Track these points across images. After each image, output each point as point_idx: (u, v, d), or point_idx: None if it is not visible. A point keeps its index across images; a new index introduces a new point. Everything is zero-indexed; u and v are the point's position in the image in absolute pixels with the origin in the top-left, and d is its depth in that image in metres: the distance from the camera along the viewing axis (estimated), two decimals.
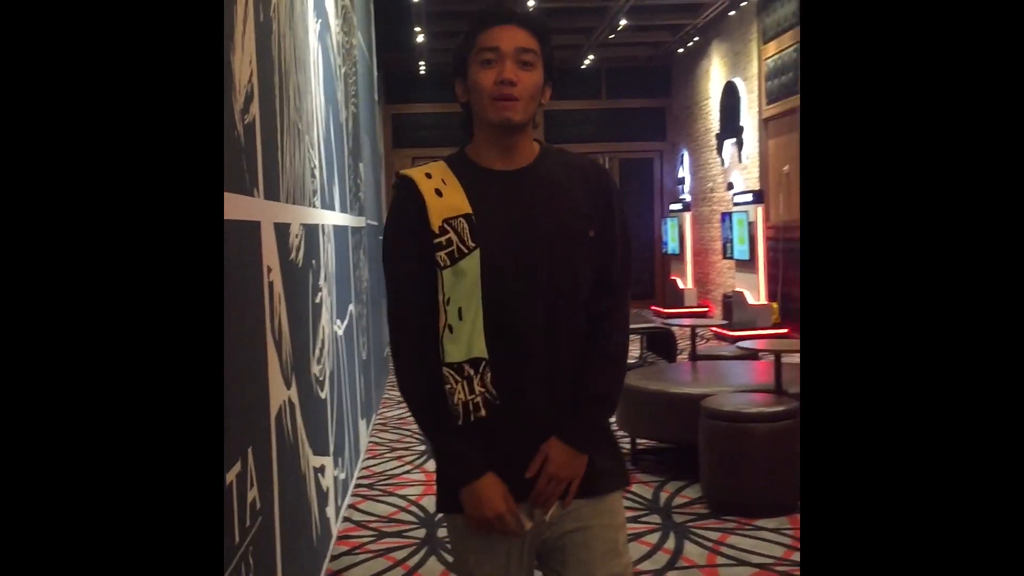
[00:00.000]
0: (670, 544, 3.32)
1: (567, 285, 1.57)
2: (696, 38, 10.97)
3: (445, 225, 1.53)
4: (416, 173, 1.60)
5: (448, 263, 1.52)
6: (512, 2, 8.35)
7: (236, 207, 1.97)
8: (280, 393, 2.42)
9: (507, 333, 1.54)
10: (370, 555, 3.33)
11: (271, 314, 2.32)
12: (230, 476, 1.81)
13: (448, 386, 1.54)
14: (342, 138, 4.51)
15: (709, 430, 3.71)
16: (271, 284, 2.34)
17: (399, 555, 3.32)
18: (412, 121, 12.34)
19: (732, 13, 9.68)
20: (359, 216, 5.29)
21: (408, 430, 5.37)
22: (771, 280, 9.10)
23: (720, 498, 3.64)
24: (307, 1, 3.35)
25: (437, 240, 1.53)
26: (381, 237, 1.67)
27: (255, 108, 2.23)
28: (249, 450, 1.99)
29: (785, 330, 8.57)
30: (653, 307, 12.36)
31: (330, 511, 3.32)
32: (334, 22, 4.33)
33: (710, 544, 3.28)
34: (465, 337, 1.53)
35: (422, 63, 11.53)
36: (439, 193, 1.56)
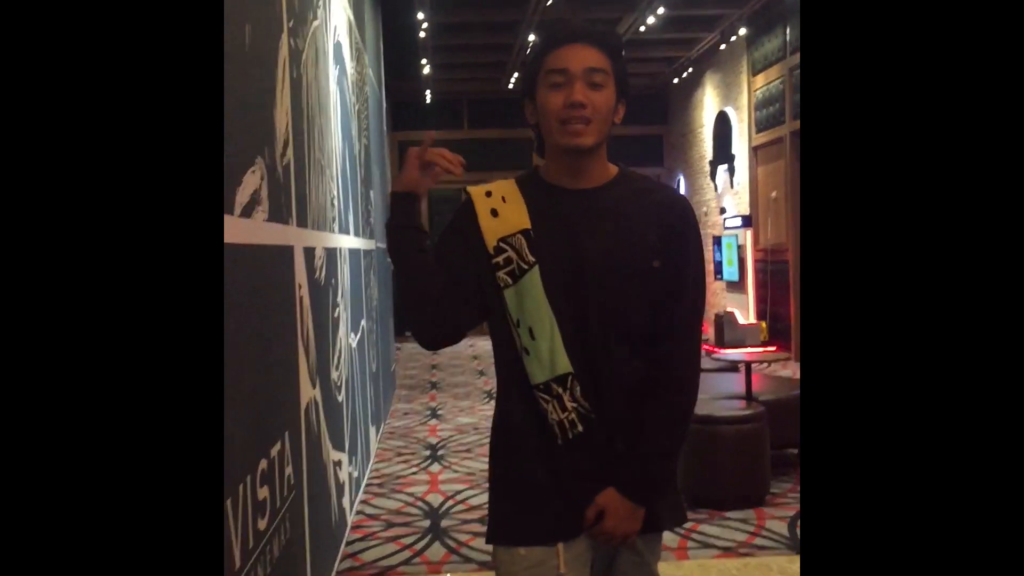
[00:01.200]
0: None
1: (620, 313, 1.52)
2: (690, 69, 11.45)
3: (501, 244, 1.51)
4: (477, 190, 1.58)
5: (510, 282, 1.50)
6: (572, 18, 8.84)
7: (276, 234, 2.42)
8: (308, 391, 2.85)
9: (580, 346, 1.51)
10: (381, 541, 3.75)
11: (301, 324, 2.75)
12: (273, 451, 2.24)
13: (541, 408, 1.51)
14: (356, 169, 4.97)
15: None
16: (301, 299, 2.78)
17: (407, 541, 3.74)
18: None
19: (723, 47, 10.17)
20: (370, 239, 5.74)
21: (415, 438, 5.79)
22: (760, 300, 9.53)
23: (694, 492, 4.05)
24: (328, 52, 3.81)
25: (495, 260, 1.51)
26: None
27: (290, 152, 2.68)
28: (286, 434, 2.42)
29: (773, 348, 8.98)
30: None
31: (345, 502, 3.74)
32: (349, 65, 4.80)
33: (682, 532, 3.69)
34: (546, 355, 1.50)
35: (428, 92, 12.02)
36: (495, 213, 1.53)
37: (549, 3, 7.94)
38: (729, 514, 3.90)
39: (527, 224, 1.52)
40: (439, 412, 6.68)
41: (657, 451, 1.54)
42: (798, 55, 8.41)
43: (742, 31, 9.46)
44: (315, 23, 3.40)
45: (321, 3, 3.61)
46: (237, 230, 1.93)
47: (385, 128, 8.65)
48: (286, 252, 2.56)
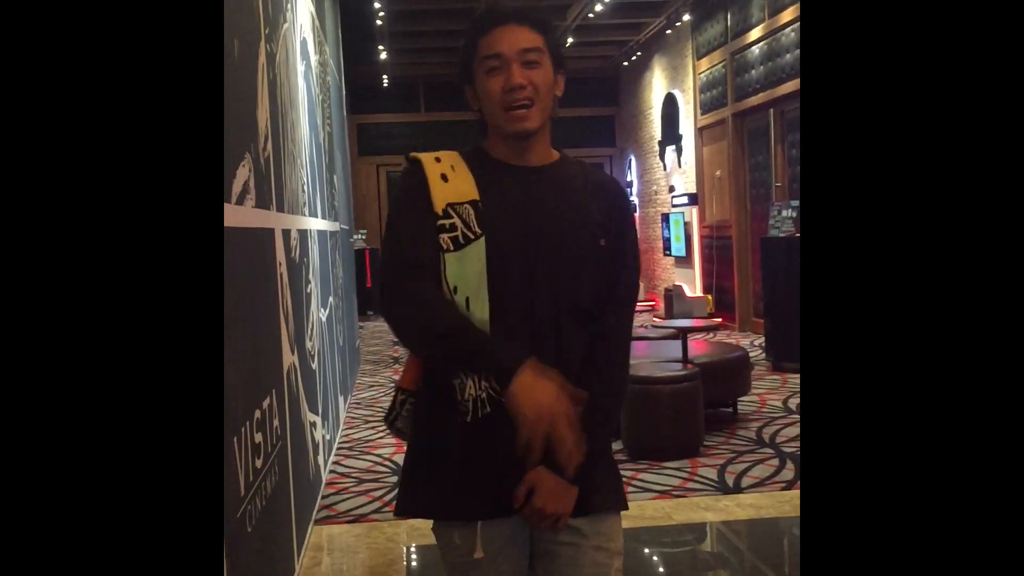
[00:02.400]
0: None
1: (569, 288, 1.51)
2: (639, 53, 11.87)
3: (449, 210, 1.49)
4: (425, 156, 1.55)
5: (452, 247, 1.47)
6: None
7: (261, 219, 2.78)
8: (288, 357, 3.22)
9: (510, 327, 1.47)
10: (352, 495, 4.14)
11: (281, 298, 3.12)
12: (264, 404, 2.62)
13: (458, 380, 1.47)
14: (321, 156, 5.31)
15: (629, 392, 4.58)
16: (281, 275, 3.15)
17: (376, 494, 4.14)
18: (376, 130, 13.12)
19: (669, 32, 10.59)
20: (335, 222, 6.08)
21: (380, 407, 6.18)
22: (706, 275, 10.03)
23: (636, 446, 4.49)
24: (295, 50, 4.15)
25: (440, 223, 1.48)
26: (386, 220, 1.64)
27: (269, 146, 3.04)
28: (272, 392, 2.80)
29: (719, 320, 9.47)
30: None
31: (320, 460, 4.12)
32: (313, 58, 5.13)
33: (624, 479, 4.12)
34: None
35: (385, 76, 12.31)
36: (445, 178, 1.51)
37: None
38: (667, 464, 4.34)
39: (476, 196, 1.50)
40: None
41: (591, 426, 1.48)
42: (739, 40, 8.86)
43: (686, 17, 9.89)
44: (285, 26, 3.75)
45: (289, 6, 3.95)
46: (234, 216, 2.29)
47: (344, 112, 8.95)
48: (269, 234, 2.92)
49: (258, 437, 2.47)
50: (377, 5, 8.60)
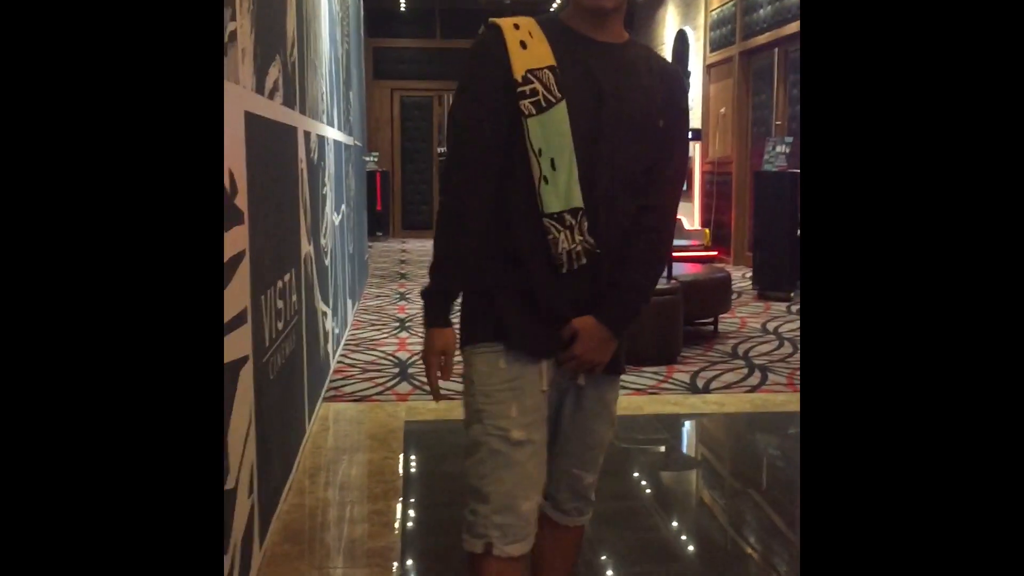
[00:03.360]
0: None
1: (627, 159, 1.60)
2: None
3: (529, 75, 1.55)
4: (504, 22, 1.60)
5: (534, 111, 1.54)
6: None
7: (287, 116, 3.13)
8: (305, 246, 3.60)
9: (595, 187, 1.57)
10: (358, 381, 4.56)
11: (300, 191, 3.48)
12: (286, 277, 3.00)
13: (551, 236, 1.55)
14: (339, 71, 5.62)
15: None
16: (301, 171, 3.50)
17: (379, 380, 4.56)
18: (392, 55, 13.30)
19: None
20: (349, 136, 6.41)
21: (386, 314, 6.58)
22: (705, 209, 10.35)
23: None
24: None
25: (521, 89, 1.54)
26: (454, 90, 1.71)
27: (295, 52, 3.37)
28: (292, 270, 3.18)
29: (715, 252, 9.82)
30: None
31: (329, 348, 4.53)
32: None
33: None
34: (563, 187, 1.55)
35: (402, 1, 12.48)
36: (523, 45, 1.56)
37: None
38: (645, 368, 4.75)
39: (554, 62, 1.56)
40: (407, 296, 7.45)
41: (637, 285, 1.63)
42: None
43: None
44: None
45: None
46: (264, 107, 2.64)
47: (362, 34, 9.19)
48: (292, 132, 3.28)
49: (280, 303, 2.86)
50: None
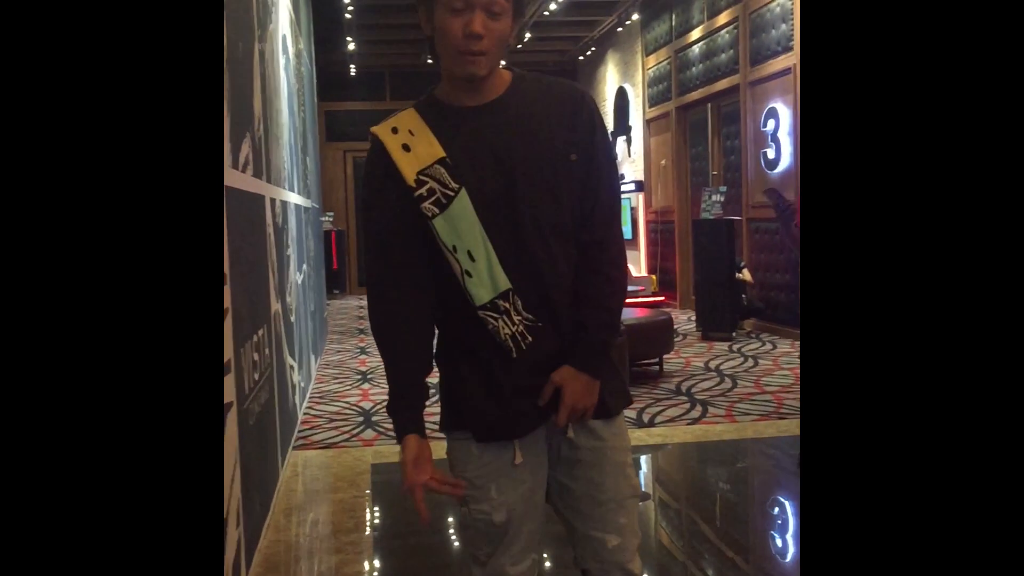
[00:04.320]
0: None
1: (551, 212, 1.54)
2: (594, 48, 12.58)
3: (421, 177, 1.52)
4: (382, 131, 1.57)
5: (436, 211, 1.51)
6: None
7: (256, 186, 3.45)
8: (274, 303, 3.89)
9: (517, 260, 1.53)
10: (324, 430, 4.82)
11: (269, 253, 3.79)
12: (259, 332, 3.29)
13: (491, 327, 1.52)
14: (297, 139, 5.96)
15: None
16: (269, 235, 3.81)
17: (345, 428, 4.83)
18: (344, 118, 13.70)
19: (620, 29, 11.32)
20: (308, 198, 6.73)
21: (348, 367, 6.84)
22: (651, 256, 10.80)
23: None
24: (278, 46, 4.80)
25: (417, 193, 1.51)
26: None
27: (261, 128, 3.70)
28: (264, 326, 3.47)
29: (662, 297, 10.24)
30: None
31: (296, 399, 4.80)
32: (291, 52, 5.77)
33: None
34: (486, 275, 1.52)
35: (352, 66, 12.91)
36: (407, 148, 1.53)
37: None
38: None
39: (441, 152, 1.52)
40: (368, 350, 7.72)
41: (603, 322, 1.58)
42: (682, 39, 9.60)
43: (635, 16, 10.61)
44: (271, 26, 4.40)
45: (273, 7, 4.60)
46: (239, 180, 2.96)
47: (315, 99, 9.56)
48: (261, 200, 3.59)
49: (255, 356, 3.15)
50: (346, 1, 9.22)
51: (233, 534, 2.50)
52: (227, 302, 2.57)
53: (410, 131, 1.56)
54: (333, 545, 3.16)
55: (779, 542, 3.27)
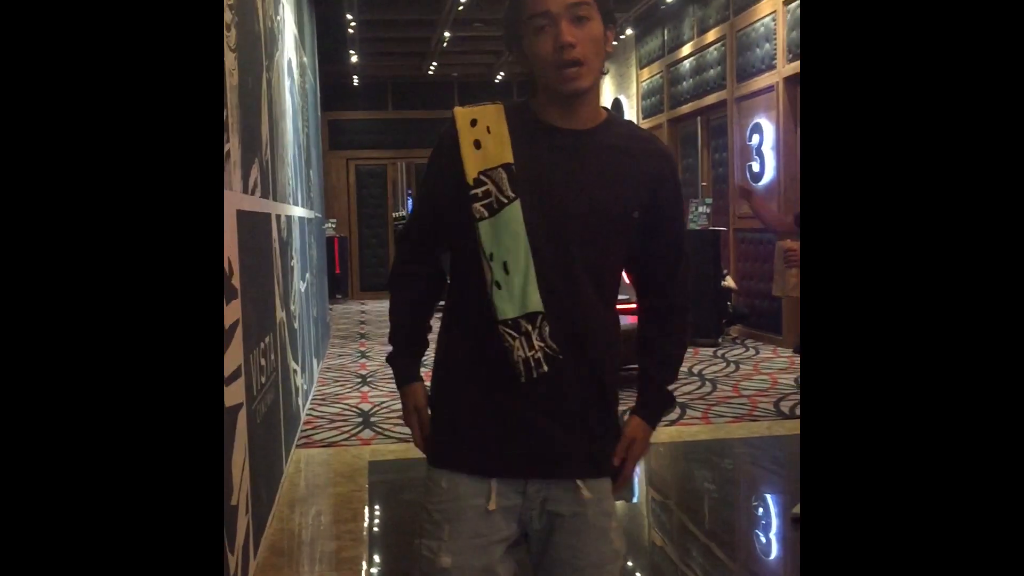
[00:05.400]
0: None
1: (594, 256, 1.50)
2: None
3: (482, 177, 1.48)
4: (462, 119, 1.53)
5: (486, 214, 1.46)
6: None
7: (265, 206, 3.77)
8: (279, 312, 4.21)
9: (556, 288, 1.47)
10: (326, 430, 5.15)
11: (275, 266, 4.11)
12: (267, 339, 3.61)
13: (505, 344, 1.46)
14: (301, 155, 6.29)
15: None
16: (275, 249, 4.14)
17: (345, 428, 5.15)
18: (346, 127, 14.04)
19: (615, 43, 11.62)
20: (311, 210, 7.06)
21: (348, 371, 7.17)
22: None
23: None
24: (284, 71, 5.13)
25: (473, 192, 1.47)
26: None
27: (268, 151, 4.02)
28: (271, 333, 3.79)
29: None
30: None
31: (299, 402, 5.12)
32: (296, 73, 6.10)
33: None
34: (518, 291, 1.46)
35: (355, 76, 13.25)
36: (478, 145, 1.49)
37: (461, 6, 9.27)
38: None
39: (510, 158, 1.48)
40: (368, 354, 8.05)
41: (669, 381, 1.62)
42: (673, 54, 9.93)
43: (629, 31, 10.94)
44: (277, 54, 4.73)
45: (280, 36, 4.92)
46: (249, 203, 3.29)
47: (318, 111, 9.90)
48: (267, 217, 3.92)
49: (263, 361, 3.47)
50: (350, 16, 9.56)
51: (243, 521, 2.81)
52: (238, 314, 2.90)
53: (488, 128, 1.52)
54: (333, 533, 3.48)
55: (740, 528, 3.58)
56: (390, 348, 1.69)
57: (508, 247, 1.47)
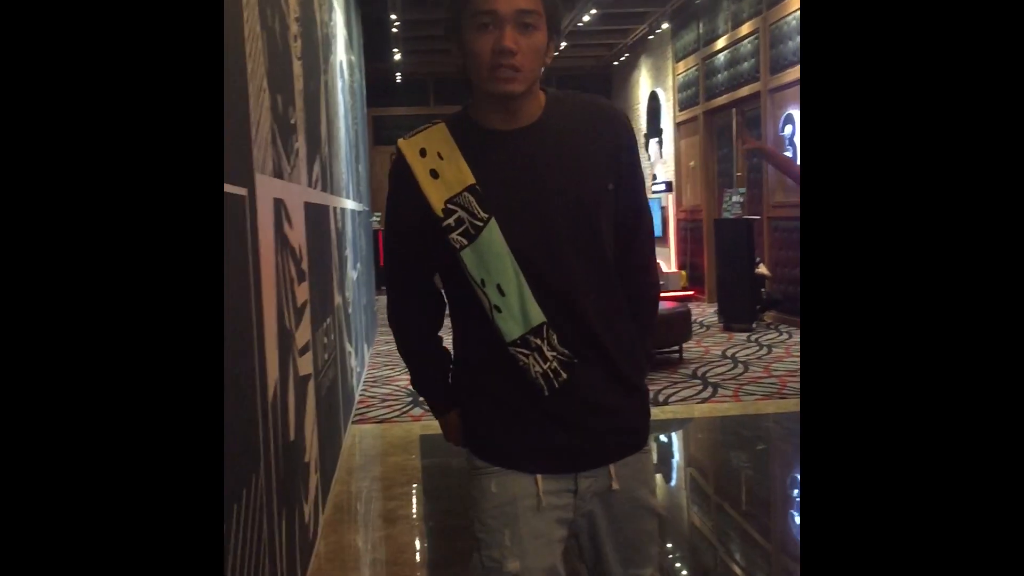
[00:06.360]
0: None
1: (589, 241, 1.48)
2: (627, 54, 13.16)
3: (449, 206, 1.44)
4: (410, 151, 1.48)
5: (465, 242, 1.43)
6: None
7: (325, 199, 4.12)
8: (336, 297, 4.57)
9: (553, 292, 1.45)
10: (378, 407, 5.51)
11: (333, 254, 4.47)
12: (328, 320, 3.96)
13: (521, 363, 1.45)
14: (351, 151, 6.66)
15: None
16: (333, 239, 4.49)
17: (396, 406, 5.51)
18: (390, 122, 14.43)
19: (651, 37, 11.89)
20: (360, 203, 7.43)
21: (397, 356, 7.52)
22: (681, 253, 11.37)
23: None
24: (336, 71, 5.48)
25: (445, 223, 1.43)
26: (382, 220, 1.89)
27: (326, 149, 4.38)
28: (330, 316, 4.14)
29: (692, 292, 10.80)
30: None
31: (353, 382, 5.48)
32: (346, 73, 6.46)
33: None
34: (517, 310, 1.44)
35: (398, 74, 13.64)
36: (435, 174, 1.45)
37: None
38: None
39: (471, 179, 1.44)
40: None
41: (648, 343, 1.66)
42: (708, 47, 10.15)
43: (665, 25, 11.18)
44: (332, 57, 5.08)
45: (333, 39, 5.28)
46: (314, 196, 3.64)
47: (364, 108, 10.28)
48: (327, 209, 4.27)
49: (325, 339, 3.83)
50: (393, 16, 9.93)
51: (313, 478, 3.17)
52: (307, 294, 3.24)
53: (439, 154, 1.48)
54: (388, 494, 3.83)
55: (759, 493, 3.88)
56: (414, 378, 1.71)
57: (497, 268, 1.45)
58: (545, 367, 1.46)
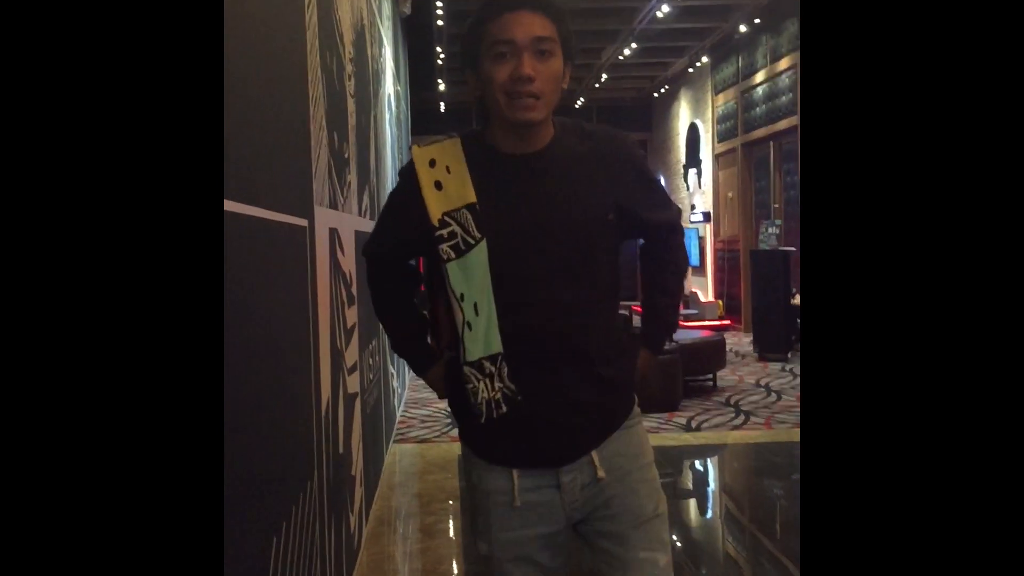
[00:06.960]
0: None
1: (585, 271, 1.50)
2: (667, 86, 13.35)
3: (446, 218, 1.47)
4: (420, 160, 1.52)
5: (453, 255, 1.46)
6: None
7: (371, 226, 4.33)
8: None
9: (525, 325, 1.47)
10: (417, 428, 5.70)
11: None
12: (373, 342, 4.16)
13: (471, 385, 1.48)
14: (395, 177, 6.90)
15: None
16: None
17: (435, 428, 5.69)
18: None
19: (691, 70, 12.07)
20: None
21: None
22: (718, 283, 11.47)
23: None
24: (384, 104, 5.73)
25: (438, 233, 1.46)
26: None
27: (374, 179, 4.60)
28: (375, 339, 4.34)
29: (728, 321, 10.89)
30: (634, 306, 14.69)
31: (395, 402, 5.67)
32: (393, 104, 6.72)
33: None
34: (482, 333, 1.47)
35: (442, 103, 13.96)
36: (439, 186, 1.49)
37: None
38: (649, 414, 5.83)
39: (472, 198, 1.47)
40: None
41: (672, 307, 1.71)
42: (747, 81, 10.31)
43: (704, 59, 11.36)
44: (381, 91, 5.33)
45: (382, 74, 5.53)
46: (362, 224, 3.85)
47: (409, 134, 10.57)
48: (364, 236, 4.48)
49: (371, 360, 4.03)
50: (439, 49, 10.22)
51: (359, 491, 3.35)
52: (355, 318, 3.45)
53: (448, 167, 1.51)
54: (427, 510, 4.01)
55: (777, 516, 4.00)
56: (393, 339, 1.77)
57: (478, 288, 1.47)
58: (491, 396, 1.49)
